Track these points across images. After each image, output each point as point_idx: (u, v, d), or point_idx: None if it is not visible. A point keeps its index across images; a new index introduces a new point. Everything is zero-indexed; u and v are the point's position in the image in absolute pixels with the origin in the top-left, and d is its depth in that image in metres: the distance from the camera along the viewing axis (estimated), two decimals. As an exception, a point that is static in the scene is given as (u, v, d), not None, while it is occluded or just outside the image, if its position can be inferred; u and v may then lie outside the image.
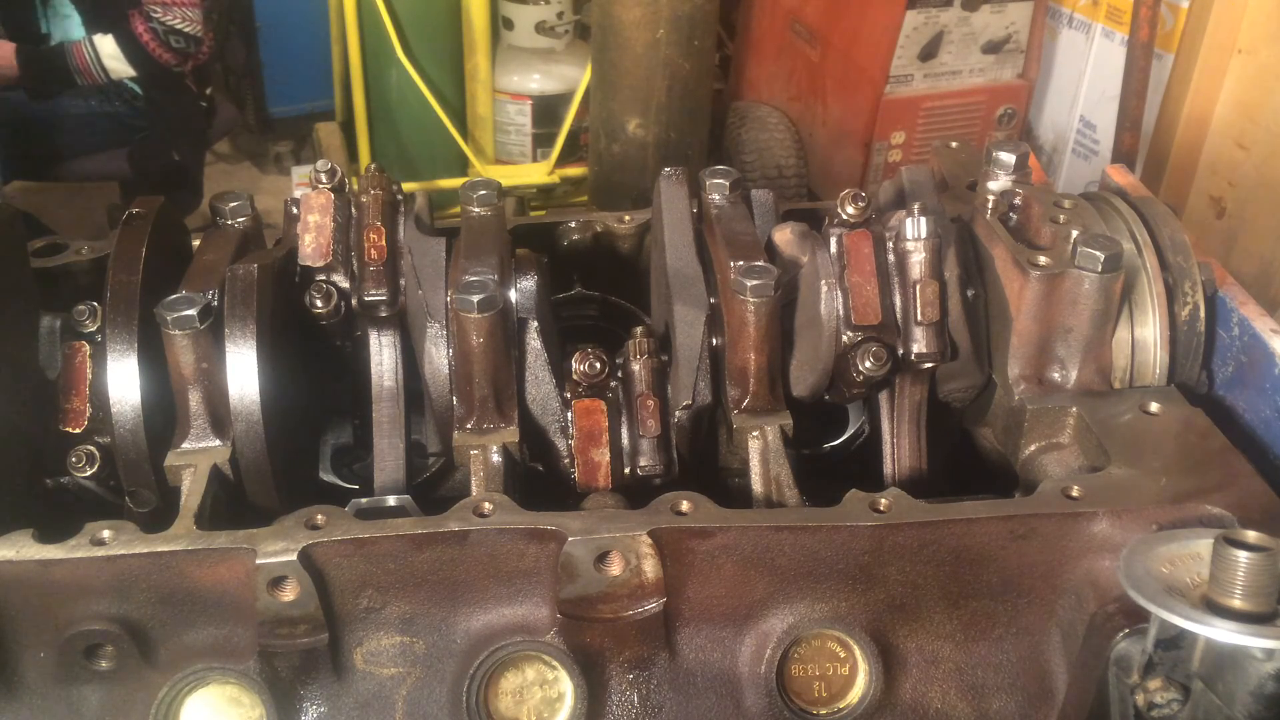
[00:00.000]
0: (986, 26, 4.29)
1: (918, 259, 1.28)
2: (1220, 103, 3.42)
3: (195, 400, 1.23)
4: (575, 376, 1.32)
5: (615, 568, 1.09)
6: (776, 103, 4.62)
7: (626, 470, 1.30)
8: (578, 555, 1.08)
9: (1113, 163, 2.75)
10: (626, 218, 1.67)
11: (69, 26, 3.67)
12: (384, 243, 1.39)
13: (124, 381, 1.25)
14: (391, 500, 1.29)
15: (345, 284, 1.38)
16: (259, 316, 1.23)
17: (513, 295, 1.32)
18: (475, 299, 1.21)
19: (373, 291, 1.37)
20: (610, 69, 3.43)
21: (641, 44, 3.35)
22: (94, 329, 1.33)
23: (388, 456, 1.37)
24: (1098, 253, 1.24)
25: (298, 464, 1.39)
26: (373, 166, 1.48)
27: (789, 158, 4.36)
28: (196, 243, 1.41)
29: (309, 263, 1.37)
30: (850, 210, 1.30)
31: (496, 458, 1.25)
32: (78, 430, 1.31)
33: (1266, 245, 3.36)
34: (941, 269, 1.29)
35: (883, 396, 1.36)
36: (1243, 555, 0.88)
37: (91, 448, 1.29)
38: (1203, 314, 1.36)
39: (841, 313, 1.27)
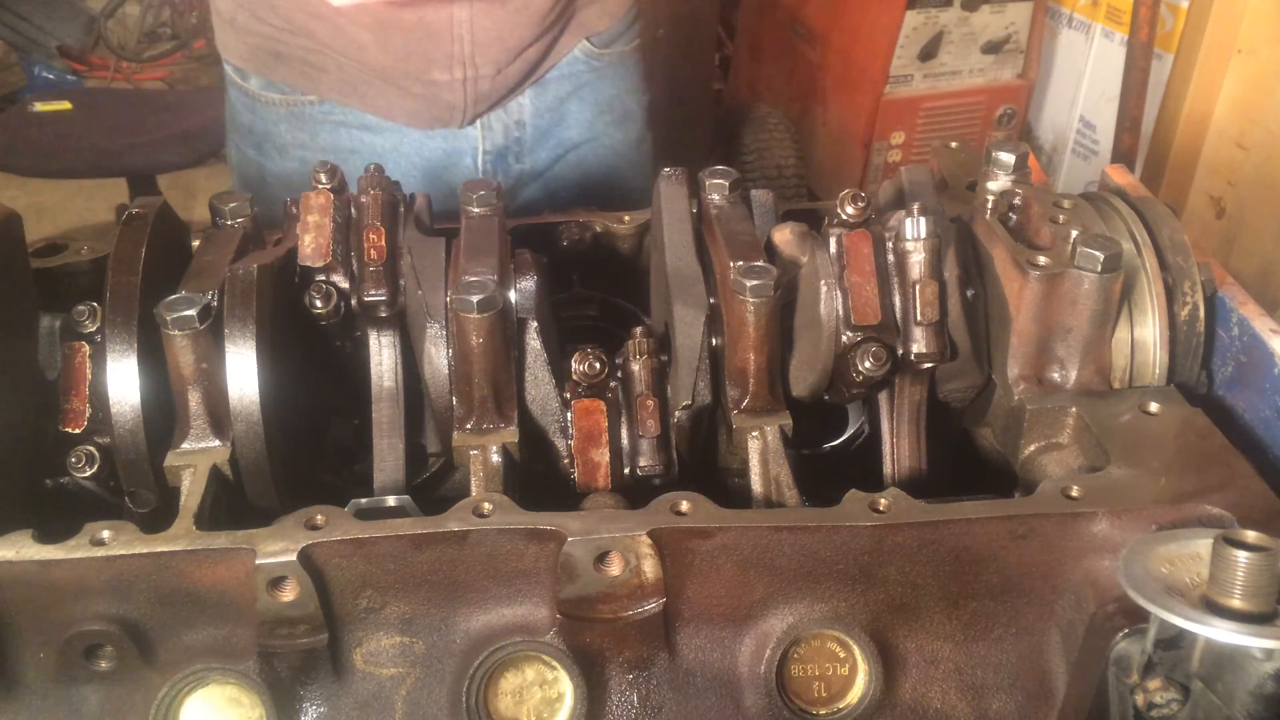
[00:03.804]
0: (986, 26, 4.29)
1: (917, 259, 1.28)
2: (1220, 103, 3.42)
3: (195, 400, 1.23)
4: (575, 377, 1.32)
5: (615, 568, 1.09)
6: (776, 103, 4.63)
7: (626, 470, 1.30)
8: (577, 555, 1.08)
9: (1112, 163, 2.75)
10: (626, 218, 1.67)
11: None
12: (384, 243, 1.39)
13: (124, 382, 1.25)
14: (391, 500, 1.29)
15: (345, 284, 1.38)
16: (259, 317, 1.23)
17: (512, 295, 1.32)
18: (475, 299, 1.21)
19: (372, 292, 1.37)
20: (610, 69, 3.43)
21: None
22: (94, 329, 1.33)
23: (387, 456, 1.37)
24: (1097, 253, 1.24)
25: (298, 464, 1.39)
26: (373, 166, 1.48)
27: (789, 158, 4.36)
28: (197, 243, 1.41)
29: (308, 263, 1.37)
30: (850, 210, 1.30)
31: (496, 458, 1.25)
32: (77, 430, 1.31)
33: (1266, 245, 3.36)
34: (941, 269, 1.29)
35: (882, 396, 1.36)
36: (1242, 555, 0.88)
37: (91, 448, 1.29)
38: (1202, 314, 1.36)
39: (841, 313, 1.27)
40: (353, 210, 1.42)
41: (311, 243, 1.38)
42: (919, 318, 1.27)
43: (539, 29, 2.08)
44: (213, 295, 1.24)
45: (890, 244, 1.29)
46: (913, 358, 1.28)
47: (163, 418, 1.26)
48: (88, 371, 1.32)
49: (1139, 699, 0.96)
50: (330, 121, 2.14)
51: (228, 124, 2.34)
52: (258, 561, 1.06)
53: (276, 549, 1.07)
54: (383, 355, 1.40)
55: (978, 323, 1.35)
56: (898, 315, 1.29)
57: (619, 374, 1.33)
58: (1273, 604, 0.89)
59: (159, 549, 1.08)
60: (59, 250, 1.49)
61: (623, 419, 1.31)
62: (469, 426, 1.28)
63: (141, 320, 1.26)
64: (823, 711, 1.13)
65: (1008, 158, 1.44)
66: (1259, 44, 3.27)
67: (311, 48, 2.07)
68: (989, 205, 1.41)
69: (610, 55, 2.28)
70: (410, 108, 2.11)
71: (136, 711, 1.11)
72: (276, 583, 1.07)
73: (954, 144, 1.68)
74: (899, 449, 1.36)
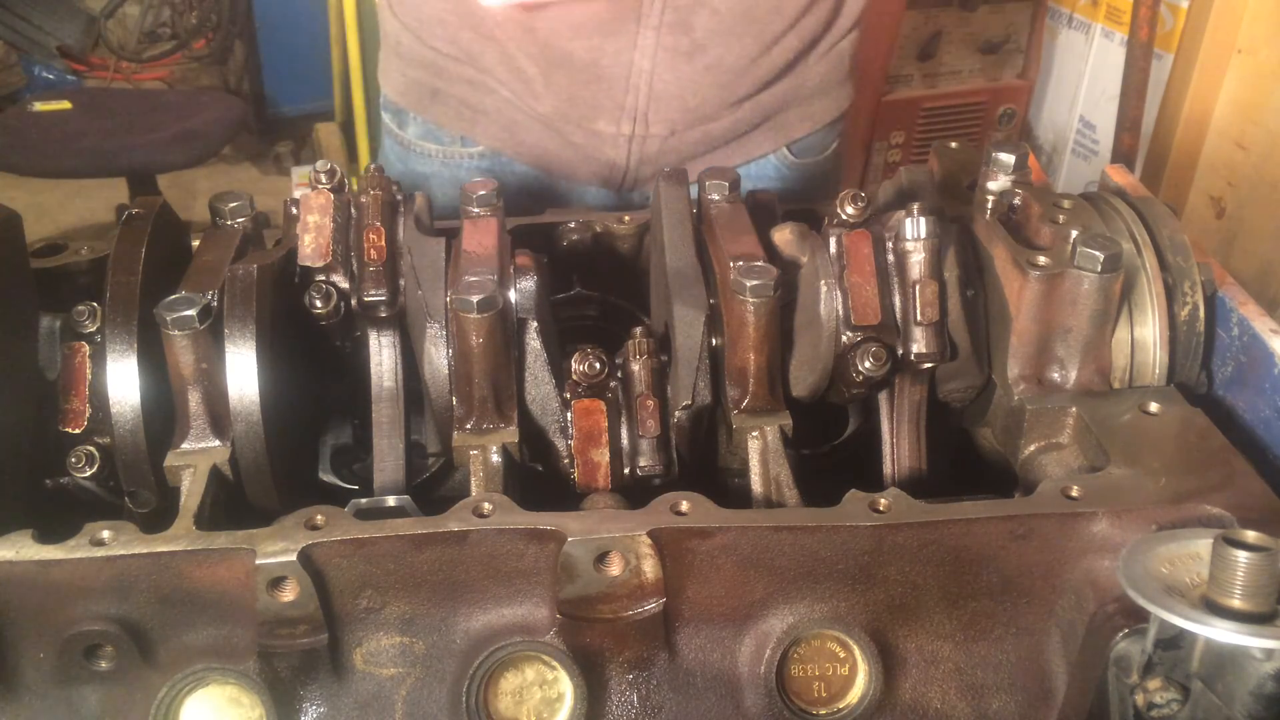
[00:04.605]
0: (986, 26, 4.29)
1: (917, 259, 1.28)
2: (1220, 103, 3.42)
3: (195, 400, 1.23)
4: (575, 377, 1.32)
5: (615, 568, 1.09)
6: (776, 103, 4.62)
7: (626, 470, 1.30)
8: (577, 555, 1.08)
9: (1112, 163, 2.75)
10: (626, 218, 1.67)
11: None
12: (383, 243, 1.39)
13: (123, 382, 1.25)
14: (391, 500, 1.29)
15: (345, 284, 1.38)
16: (259, 317, 1.23)
17: (512, 295, 1.32)
18: (475, 299, 1.21)
19: (372, 292, 1.37)
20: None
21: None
22: (94, 329, 1.33)
23: (387, 457, 1.37)
24: (1097, 253, 1.24)
25: (297, 464, 1.39)
26: (372, 166, 1.48)
27: (789, 158, 4.35)
28: (197, 243, 1.41)
29: (308, 263, 1.37)
30: (850, 210, 1.30)
31: (496, 458, 1.25)
32: (77, 430, 1.31)
33: (1266, 245, 3.36)
34: (941, 269, 1.29)
35: (882, 396, 1.36)
36: (1242, 555, 0.88)
37: (91, 448, 1.29)
38: (1202, 314, 1.36)
39: (841, 313, 1.27)
40: (353, 210, 1.42)
41: (311, 243, 1.38)
42: (919, 318, 1.27)
43: (727, 96, 1.91)
44: (213, 295, 1.24)
45: (890, 244, 1.30)
46: (913, 358, 1.28)
47: (163, 418, 1.26)
48: (88, 371, 1.32)
49: (1139, 699, 0.96)
50: None
51: None
52: (258, 561, 1.06)
53: (276, 549, 1.07)
54: (383, 355, 1.40)
55: (978, 323, 1.35)
56: (898, 315, 1.29)
57: (619, 374, 1.33)
58: (1273, 604, 0.89)
59: (159, 549, 1.08)
60: (59, 250, 1.49)
61: (623, 419, 1.31)
62: (469, 426, 1.28)
63: (141, 320, 1.26)
64: (823, 711, 1.13)
65: (1008, 158, 1.44)
66: (1259, 44, 3.27)
67: (474, 79, 1.95)
68: (989, 205, 1.41)
69: (804, 165, 2.09)
70: (569, 159, 1.97)
71: (136, 711, 1.11)
72: (276, 583, 1.07)
73: (954, 144, 1.68)
74: (899, 449, 1.36)
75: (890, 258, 1.29)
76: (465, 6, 1.89)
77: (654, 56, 1.83)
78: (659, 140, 1.93)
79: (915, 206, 1.30)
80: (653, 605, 1.10)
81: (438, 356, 1.33)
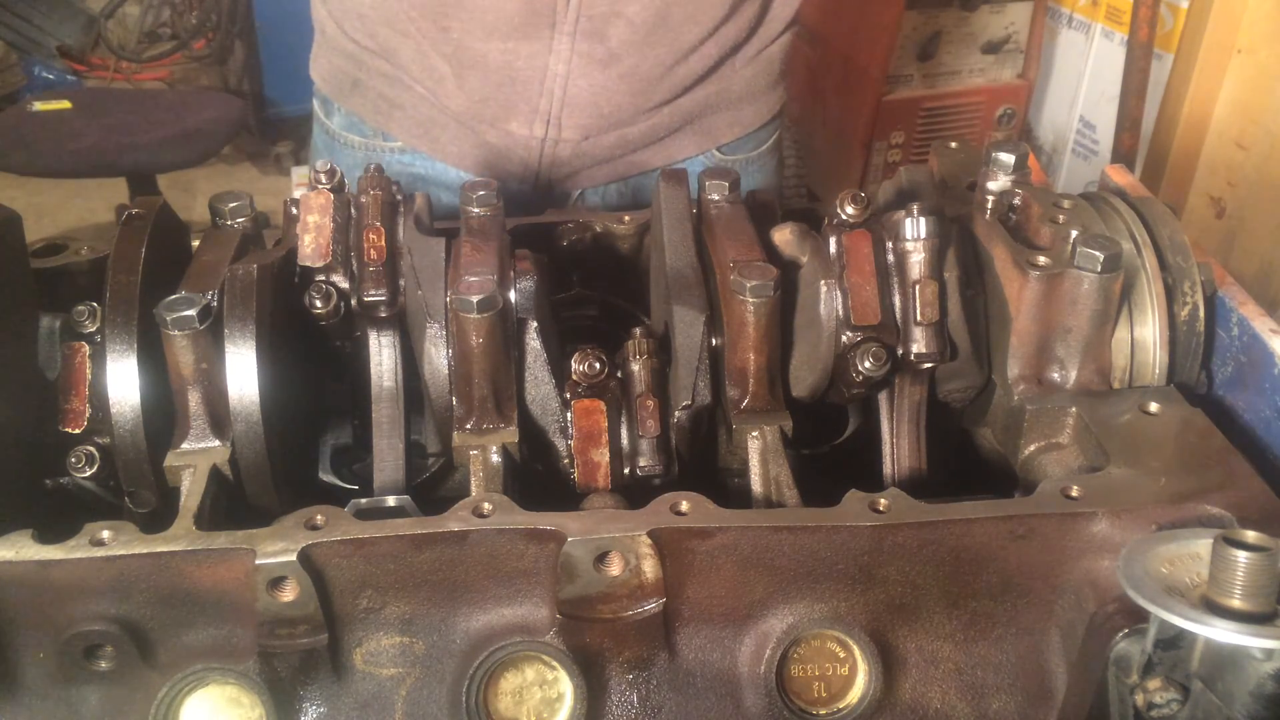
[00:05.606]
0: (986, 26, 4.29)
1: (917, 259, 1.28)
2: (1220, 103, 3.42)
3: (194, 400, 1.23)
4: (575, 377, 1.32)
5: (615, 568, 1.09)
6: (776, 103, 4.62)
7: (626, 470, 1.30)
8: (577, 555, 1.08)
9: (1112, 163, 2.75)
10: (626, 218, 1.67)
11: None
12: (383, 243, 1.39)
13: (123, 382, 1.25)
14: (391, 500, 1.29)
15: (345, 284, 1.38)
16: (258, 317, 1.23)
17: (512, 295, 1.32)
18: (475, 299, 1.21)
19: (372, 292, 1.37)
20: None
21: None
22: (94, 329, 1.33)
23: (387, 457, 1.37)
24: (1097, 253, 1.24)
25: (297, 464, 1.39)
26: (372, 166, 1.48)
27: (789, 158, 4.37)
28: (197, 243, 1.41)
29: (308, 263, 1.37)
30: (850, 210, 1.30)
31: (496, 458, 1.25)
32: (77, 431, 1.31)
33: (1266, 245, 3.36)
34: (941, 269, 1.29)
35: (882, 396, 1.36)
36: (1242, 555, 0.88)
37: (91, 448, 1.29)
38: (1202, 314, 1.36)
39: (841, 313, 1.27)
40: (353, 210, 1.42)
41: (311, 243, 1.38)
42: (919, 318, 1.27)
43: (642, 102, 1.91)
44: (213, 295, 1.24)
45: (890, 244, 1.30)
46: (912, 358, 1.28)
47: (163, 418, 1.26)
48: (88, 371, 1.32)
49: (1139, 699, 0.96)
50: (408, 173, 2.02)
51: (310, 159, 2.27)
52: (258, 561, 1.06)
53: (276, 549, 1.07)
54: (383, 355, 1.40)
55: (978, 323, 1.35)
56: (898, 315, 1.29)
57: (619, 374, 1.33)
58: (1273, 604, 0.89)
59: (159, 549, 1.08)
60: (59, 250, 1.49)
61: (623, 419, 1.31)
62: (469, 426, 1.28)
63: (141, 320, 1.26)
64: (823, 711, 1.13)
65: (1008, 158, 1.44)
66: (1259, 44, 3.27)
67: (390, 74, 1.96)
68: (989, 205, 1.41)
69: (736, 161, 2.09)
70: (482, 157, 1.97)
71: (136, 711, 1.11)
72: (276, 583, 1.07)
73: (954, 144, 1.68)
74: (899, 449, 1.36)
75: (890, 258, 1.29)
76: (383, 2, 1.89)
77: (569, 62, 1.83)
78: (571, 145, 1.93)
79: (915, 206, 1.30)
80: (653, 605, 1.10)
81: (438, 356, 1.33)
